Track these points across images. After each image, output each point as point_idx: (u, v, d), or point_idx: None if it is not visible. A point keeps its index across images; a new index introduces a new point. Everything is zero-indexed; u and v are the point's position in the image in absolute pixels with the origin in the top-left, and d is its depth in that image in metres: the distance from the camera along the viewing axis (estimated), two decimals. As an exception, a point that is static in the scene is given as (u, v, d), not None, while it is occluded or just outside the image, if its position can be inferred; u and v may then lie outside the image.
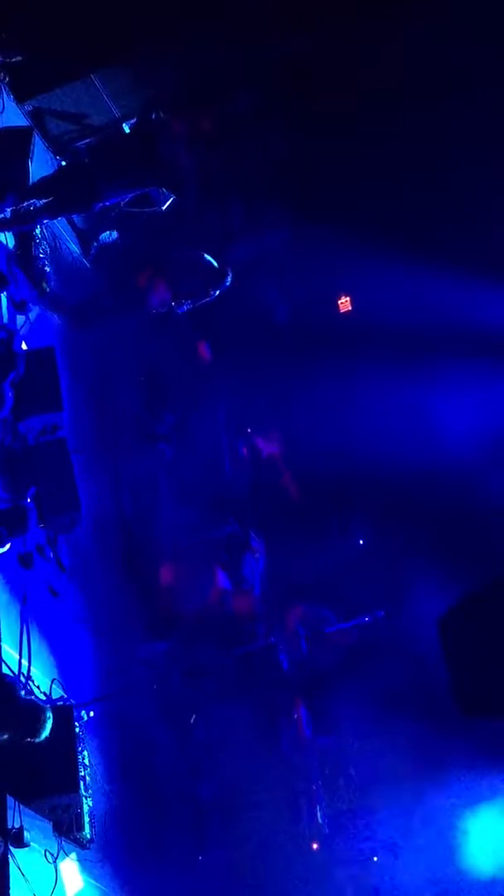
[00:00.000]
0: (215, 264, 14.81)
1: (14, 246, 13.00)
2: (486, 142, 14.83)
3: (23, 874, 8.89)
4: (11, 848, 8.73)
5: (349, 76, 14.49)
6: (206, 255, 14.81)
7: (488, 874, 13.63)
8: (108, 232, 15.20)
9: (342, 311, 17.28)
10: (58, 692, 10.81)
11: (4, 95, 12.95)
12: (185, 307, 15.16)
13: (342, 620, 15.19)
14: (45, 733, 8.65)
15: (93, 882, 10.59)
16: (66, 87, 13.71)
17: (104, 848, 10.93)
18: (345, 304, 17.26)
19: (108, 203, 12.61)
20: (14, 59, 12.88)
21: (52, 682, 10.82)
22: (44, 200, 12.16)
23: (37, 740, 8.64)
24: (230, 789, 13.86)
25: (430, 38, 13.97)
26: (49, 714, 8.70)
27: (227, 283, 14.74)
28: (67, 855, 9.90)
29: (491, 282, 15.62)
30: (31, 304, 12.93)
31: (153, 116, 12.75)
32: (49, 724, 8.65)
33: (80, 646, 12.22)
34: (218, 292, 14.78)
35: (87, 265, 15.32)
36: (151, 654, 13.97)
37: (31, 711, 8.71)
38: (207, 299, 14.99)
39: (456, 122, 14.77)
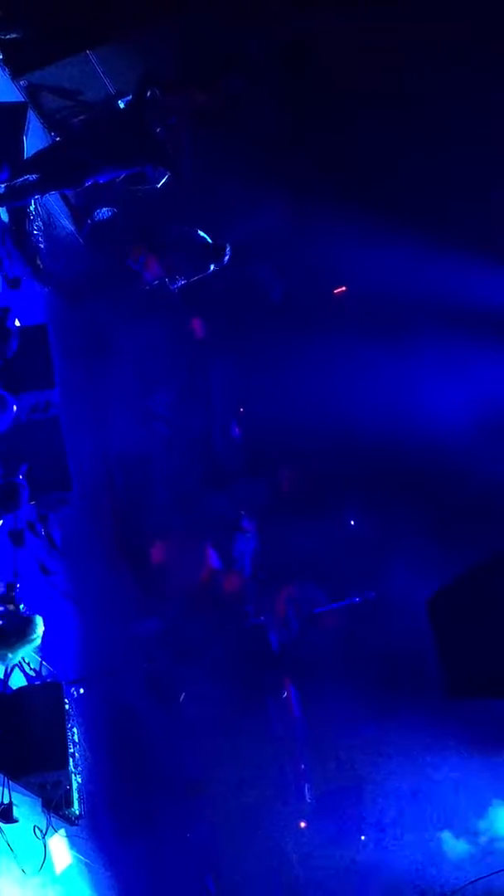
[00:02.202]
0: (209, 240, 14.80)
1: (8, 222, 12.97)
2: (485, 122, 14.78)
3: (11, 850, 8.93)
4: (0, 823, 8.77)
5: (347, 54, 14.43)
6: (199, 232, 14.78)
7: (477, 853, 13.70)
8: (102, 209, 15.16)
9: (337, 294, 17.25)
10: (47, 669, 10.83)
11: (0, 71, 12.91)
12: (178, 283, 15.16)
13: (332, 601, 15.21)
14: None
15: (81, 858, 10.63)
16: (62, 64, 13.66)
17: (93, 824, 10.97)
18: (340, 291, 17.23)
19: (100, 180, 12.56)
20: (9, 36, 12.81)
21: (42, 659, 10.84)
22: (36, 175, 12.12)
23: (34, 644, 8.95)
24: (218, 768, 13.91)
25: (429, 14, 13.91)
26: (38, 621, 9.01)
27: (226, 259, 14.73)
28: (56, 831, 9.93)
29: (485, 260, 15.61)
30: (24, 281, 12.90)
31: (148, 93, 12.69)
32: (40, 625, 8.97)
33: (71, 623, 12.25)
34: (214, 267, 14.77)
35: (81, 242, 15.28)
36: (141, 632, 14.00)
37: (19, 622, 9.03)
38: (202, 274, 14.98)
39: (454, 102, 14.72)
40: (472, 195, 15.36)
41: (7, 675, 10.18)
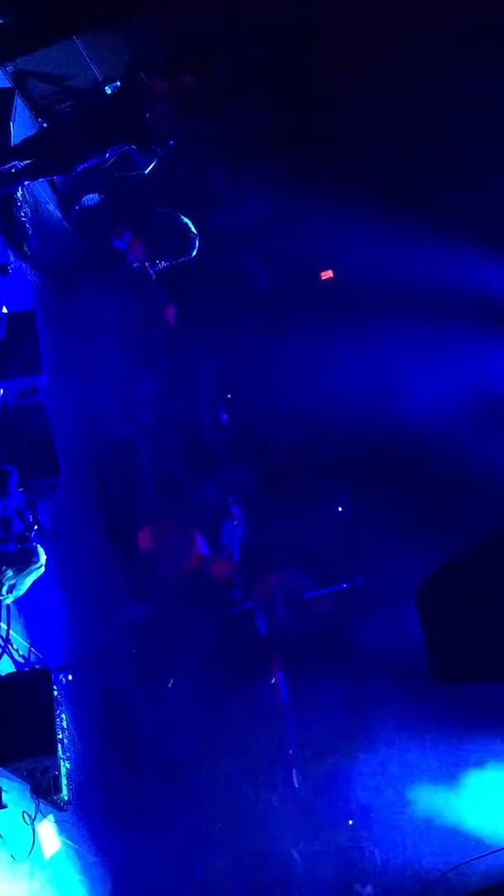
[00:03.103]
0: (192, 227, 14.77)
1: (-5, 209, 12.96)
2: (475, 106, 14.76)
3: (0, 835, 8.97)
4: (-11, 809, 8.81)
5: (337, 41, 14.38)
6: (182, 217, 14.74)
7: (467, 836, 13.77)
8: (90, 195, 15.14)
9: (323, 278, 17.23)
10: (36, 655, 10.84)
11: (-15, 57, 12.86)
12: (158, 267, 15.12)
13: (321, 587, 15.23)
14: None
15: (70, 844, 10.66)
16: (49, 50, 13.61)
17: (81, 810, 11.00)
18: (327, 274, 17.20)
19: (88, 164, 12.54)
20: (-4, 22, 12.76)
21: (30, 645, 10.86)
22: (25, 162, 12.09)
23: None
24: (207, 753, 13.93)
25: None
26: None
27: (193, 253, 14.70)
28: (45, 817, 9.97)
29: (476, 248, 15.61)
30: (12, 267, 12.88)
31: (136, 79, 12.67)
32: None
33: (59, 609, 12.25)
34: (186, 257, 14.77)
35: (69, 228, 15.26)
36: (130, 617, 14.01)
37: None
38: (183, 259, 14.96)
39: (445, 87, 14.70)
40: (462, 183, 15.34)
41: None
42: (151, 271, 15.16)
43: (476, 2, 13.76)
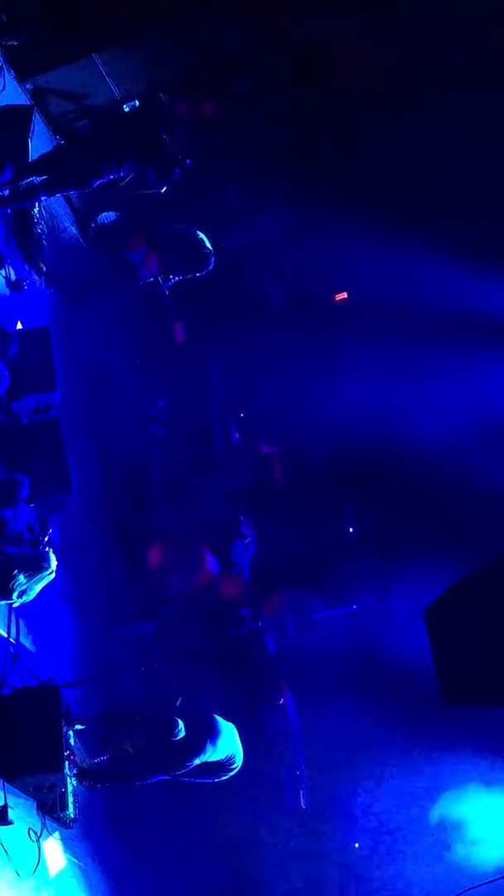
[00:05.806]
0: (206, 243, 14.76)
1: (12, 224, 12.99)
2: (492, 127, 14.79)
3: (6, 852, 8.96)
4: (-5, 825, 8.80)
5: (352, 58, 14.43)
6: (198, 233, 14.74)
7: (475, 860, 13.71)
8: (105, 213, 15.18)
9: (338, 300, 17.25)
10: (44, 671, 10.84)
11: (5, 74, 12.90)
12: (171, 282, 15.13)
13: (330, 607, 15.20)
14: None
15: (75, 861, 10.64)
16: (68, 67, 13.68)
17: (87, 827, 10.98)
18: (342, 296, 17.22)
19: (104, 181, 12.57)
20: (15, 40, 12.82)
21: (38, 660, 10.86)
22: (42, 178, 12.14)
23: None
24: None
25: (432, 21, 13.93)
26: None
27: (207, 268, 14.70)
28: (51, 834, 9.96)
29: (489, 266, 15.62)
30: (27, 283, 12.93)
31: (156, 98, 12.70)
32: None
33: (68, 625, 12.25)
34: (199, 274, 14.77)
35: (84, 245, 15.31)
36: (138, 635, 14.00)
37: None
38: (197, 274, 14.96)
39: (457, 110, 14.73)
40: (476, 201, 15.37)
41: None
42: (165, 286, 15.18)
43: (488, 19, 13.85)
